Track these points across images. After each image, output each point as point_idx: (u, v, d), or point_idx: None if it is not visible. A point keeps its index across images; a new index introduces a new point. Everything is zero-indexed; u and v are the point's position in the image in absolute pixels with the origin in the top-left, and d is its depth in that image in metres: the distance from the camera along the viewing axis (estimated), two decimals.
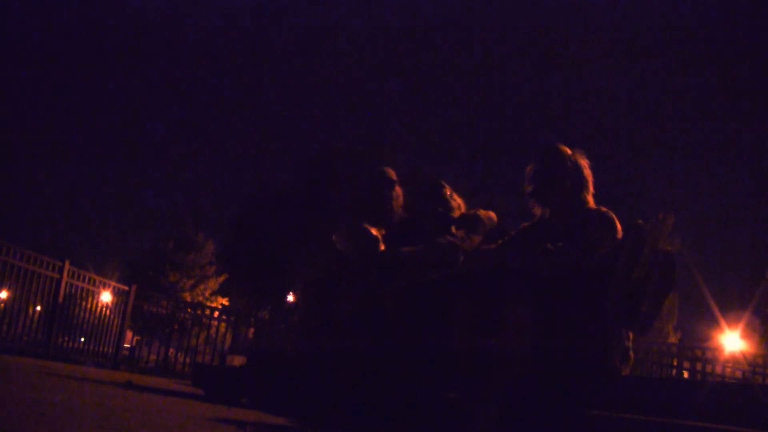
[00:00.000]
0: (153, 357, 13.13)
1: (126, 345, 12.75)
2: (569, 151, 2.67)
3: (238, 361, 7.34)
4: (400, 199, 3.34)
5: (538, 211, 2.71)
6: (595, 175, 2.68)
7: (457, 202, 3.24)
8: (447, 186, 3.26)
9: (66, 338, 8.86)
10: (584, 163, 2.67)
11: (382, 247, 3.02)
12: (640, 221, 2.54)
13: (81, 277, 8.68)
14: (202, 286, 29.01)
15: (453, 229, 2.97)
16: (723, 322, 15.62)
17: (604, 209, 2.57)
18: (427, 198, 3.23)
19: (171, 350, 12.04)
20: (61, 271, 8.12)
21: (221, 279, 28.99)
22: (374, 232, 3.08)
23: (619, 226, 2.51)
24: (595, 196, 2.66)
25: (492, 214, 3.09)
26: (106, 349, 9.34)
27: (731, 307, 20.90)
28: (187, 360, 11.12)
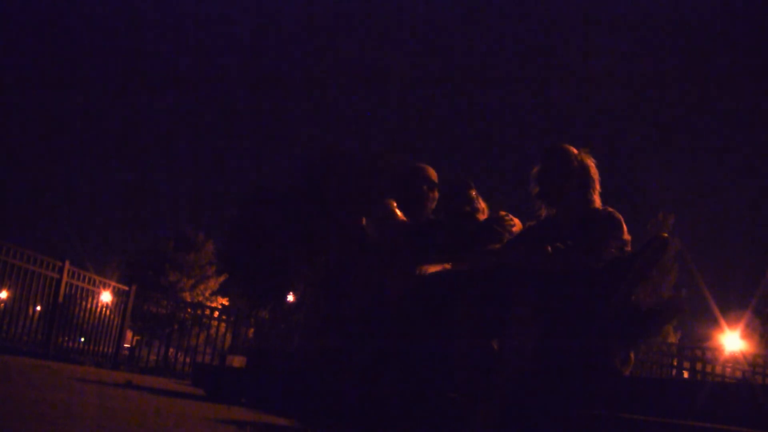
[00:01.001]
0: (153, 357, 13.13)
1: (126, 345, 12.74)
2: (575, 151, 2.65)
3: (238, 361, 7.35)
4: (434, 203, 3.30)
5: (544, 212, 2.70)
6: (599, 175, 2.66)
7: (482, 206, 3.18)
8: (474, 187, 3.20)
9: (66, 338, 8.86)
10: (590, 162, 2.64)
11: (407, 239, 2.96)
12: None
13: (81, 277, 8.68)
14: (202, 286, 28.99)
15: (496, 227, 2.90)
16: (723, 322, 15.61)
17: (610, 209, 2.55)
18: (454, 197, 3.18)
19: (171, 350, 12.04)
20: (61, 271, 8.12)
21: (221, 279, 28.97)
22: (404, 217, 3.04)
23: (625, 227, 2.49)
24: (601, 195, 2.64)
25: (517, 220, 3.03)
26: (106, 349, 9.34)
27: (731, 307, 20.89)
28: (187, 360, 11.11)
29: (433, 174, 3.30)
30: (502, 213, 2.99)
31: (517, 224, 2.93)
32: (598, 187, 2.63)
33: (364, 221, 3.15)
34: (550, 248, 2.37)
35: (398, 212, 3.05)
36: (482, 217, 3.08)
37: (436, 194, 3.27)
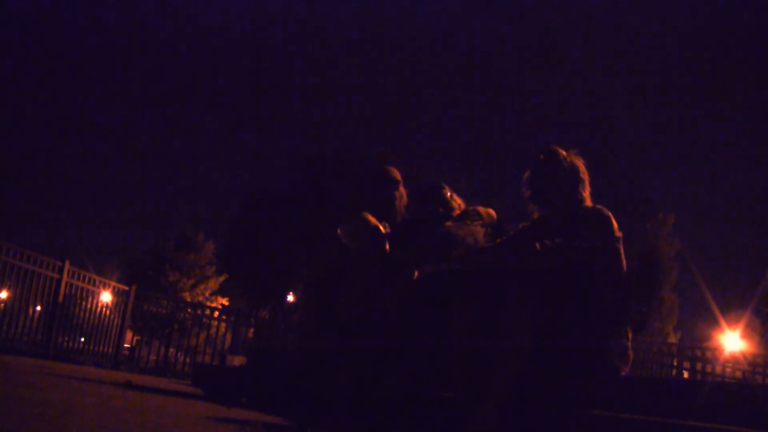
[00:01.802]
0: (153, 357, 13.13)
1: (126, 345, 12.74)
2: (564, 153, 2.69)
3: (238, 361, 7.36)
4: (404, 200, 3.35)
5: (536, 215, 2.73)
6: (595, 176, 2.70)
7: (458, 203, 3.25)
8: (447, 187, 3.28)
9: (66, 338, 8.86)
10: (580, 163, 2.69)
11: (387, 245, 3.00)
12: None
13: (81, 277, 8.68)
14: (202, 286, 28.96)
15: (450, 223, 2.98)
16: (723, 322, 15.63)
17: (599, 207, 2.59)
18: (427, 199, 3.24)
19: (171, 350, 12.05)
20: (61, 271, 8.12)
21: (221, 279, 28.97)
22: (378, 224, 3.08)
23: (615, 224, 2.52)
24: (592, 195, 2.68)
25: (491, 211, 3.10)
26: (106, 349, 9.34)
27: (731, 307, 20.90)
28: (187, 360, 11.12)
29: (393, 172, 3.36)
30: (471, 208, 3.06)
31: (484, 215, 2.99)
32: (588, 186, 2.67)
33: (339, 231, 3.19)
34: (538, 245, 2.40)
35: (372, 219, 3.09)
36: (458, 213, 3.15)
37: (403, 190, 3.32)
